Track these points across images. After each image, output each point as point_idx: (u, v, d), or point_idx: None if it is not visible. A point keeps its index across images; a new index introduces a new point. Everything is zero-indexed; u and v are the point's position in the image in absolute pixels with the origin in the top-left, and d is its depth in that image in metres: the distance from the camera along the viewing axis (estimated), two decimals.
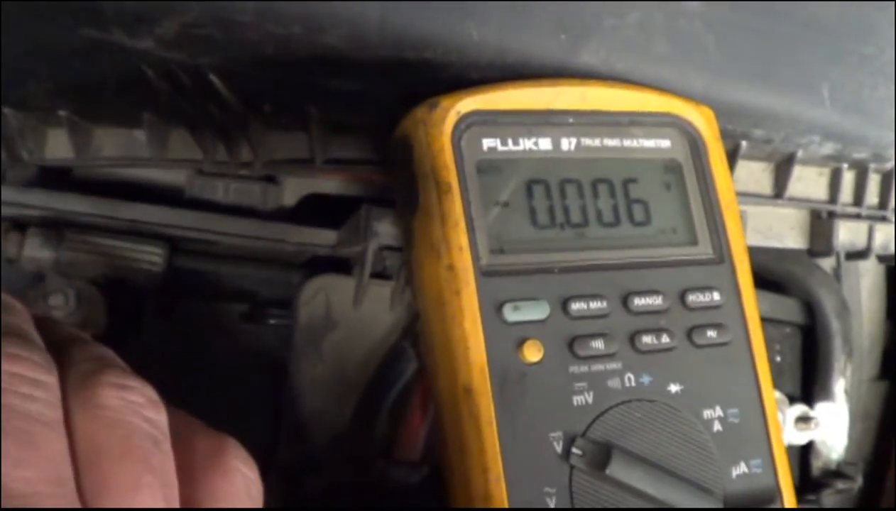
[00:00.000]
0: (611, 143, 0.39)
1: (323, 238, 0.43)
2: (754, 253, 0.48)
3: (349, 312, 0.41)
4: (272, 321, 0.44)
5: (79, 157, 0.43)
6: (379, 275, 0.41)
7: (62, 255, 0.41)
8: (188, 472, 0.26)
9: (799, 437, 0.48)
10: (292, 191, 0.45)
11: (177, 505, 0.25)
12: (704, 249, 0.39)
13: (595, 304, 0.36)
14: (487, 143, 0.37)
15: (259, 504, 0.28)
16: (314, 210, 0.45)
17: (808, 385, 0.51)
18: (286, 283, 0.44)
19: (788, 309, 0.50)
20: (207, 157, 0.43)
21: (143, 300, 0.44)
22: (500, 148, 0.37)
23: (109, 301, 0.41)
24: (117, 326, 0.41)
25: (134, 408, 0.25)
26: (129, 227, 0.42)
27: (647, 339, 0.37)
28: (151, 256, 0.42)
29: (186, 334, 0.44)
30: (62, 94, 0.41)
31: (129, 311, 0.43)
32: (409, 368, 0.40)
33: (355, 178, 0.44)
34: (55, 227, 0.42)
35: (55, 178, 0.44)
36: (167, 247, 0.42)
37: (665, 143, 0.40)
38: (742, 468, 0.37)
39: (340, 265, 0.43)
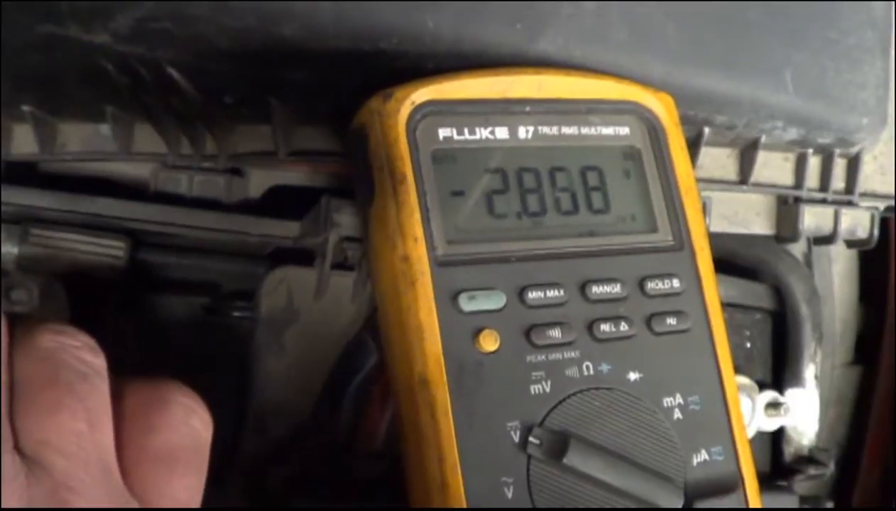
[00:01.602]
0: (568, 131, 0.39)
1: (286, 230, 0.43)
2: (724, 239, 0.48)
3: (310, 304, 0.41)
4: (236, 313, 0.44)
5: (43, 152, 0.43)
6: (341, 266, 0.41)
7: (25, 250, 0.41)
8: (126, 412, 0.28)
9: (769, 424, 0.48)
10: (257, 183, 0.45)
11: (108, 431, 0.27)
12: (664, 236, 0.39)
13: (552, 293, 0.36)
14: (443, 132, 0.37)
15: (208, 432, 0.30)
16: (283, 202, 0.45)
17: (778, 371, 0.51)
18: (251, 275, 0.44)
19: (758, 295, 0.50)
20: (172, 151, 0.43)
21: (106, 294, 0.44)
22: (457, 137, 0.37)
23: (72, 296, 0.41)
24: (80, 321, 0.41)
25: (67, 348, 0.27)
26: (92, 222, 0.42)
27: (606, 327, 0.36)
28: (114, 251, 0.42)
29: (150, 328, 0.44)
30: (25, 88, 0.41)
31: (92, 305, 0.43)
32: (370, 360, 0.40)
33: (319, 169, 0.44)
34: (18, 223, 0.42)
35: (20, 173, 0.44)
36: (129, 241, 0.43)
37: (624, 130, 0.40)
38: (703, 456, 0.37)
39: (305, 257, 0.43)
